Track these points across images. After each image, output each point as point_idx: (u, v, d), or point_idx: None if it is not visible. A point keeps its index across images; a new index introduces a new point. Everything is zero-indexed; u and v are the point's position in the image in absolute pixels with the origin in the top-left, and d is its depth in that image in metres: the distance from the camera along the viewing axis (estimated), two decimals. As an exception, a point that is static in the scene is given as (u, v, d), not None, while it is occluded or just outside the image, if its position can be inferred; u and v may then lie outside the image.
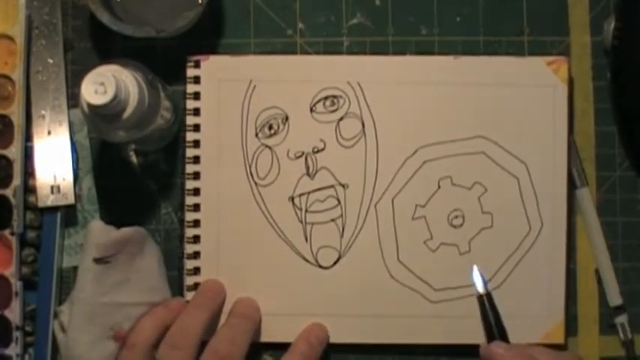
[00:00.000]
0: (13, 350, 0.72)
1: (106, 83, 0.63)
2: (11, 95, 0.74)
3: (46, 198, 0.74)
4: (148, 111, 0.67)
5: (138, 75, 0.66)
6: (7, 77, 0.74)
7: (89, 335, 0.71)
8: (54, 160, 0.75)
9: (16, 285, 0.73)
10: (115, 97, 0.63)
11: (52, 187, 0.74)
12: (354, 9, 0.77)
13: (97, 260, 0.72)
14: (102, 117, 0.65)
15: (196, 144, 0.75)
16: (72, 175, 0.75)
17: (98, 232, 0.72)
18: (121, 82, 0.64)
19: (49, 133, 0.75)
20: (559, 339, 0.74)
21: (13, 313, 0.73)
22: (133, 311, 0.73)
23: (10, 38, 0.74)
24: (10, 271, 0.73)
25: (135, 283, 0.73)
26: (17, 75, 0.74)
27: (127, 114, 0.65)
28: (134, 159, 0.77)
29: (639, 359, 0.76)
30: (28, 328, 0.74)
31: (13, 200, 0.73)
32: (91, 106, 0.63)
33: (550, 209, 0.74)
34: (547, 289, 0.74)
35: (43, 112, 0.75)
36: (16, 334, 0.73)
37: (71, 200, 0.75)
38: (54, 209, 0.75)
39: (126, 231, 0.73)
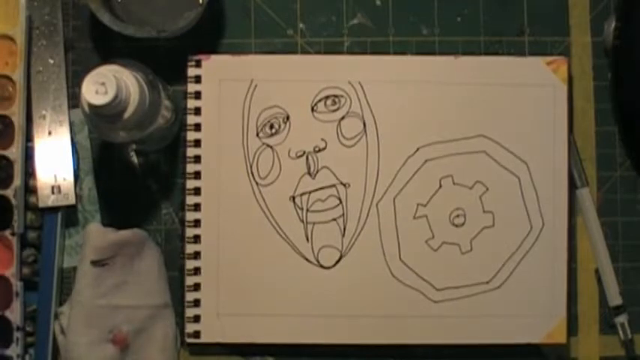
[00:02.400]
0: (13, 351, 0.72)
1: (107, 83, 0.63)
2: (12, 95, 0.74)
3: (46, 198, 0.74)
4: (149, 111, 0.67)
5: (138, 75, 0.66)
6: (8, 77, 0.74)
7: (88, 338, 0.71)
8: (54, 161, 0.75)
9: (17, 285, 0.73)
10: (116, 97, 0.63)
11: (52, 188, 0.74)
12: (354, 9, 0.77)
13: (95, 263, 0.72)
14: (103, 117, 0.65)
15: (197, 143, 0.74)
16: (72, 176, 0.75)
17: (95, 234, 0.72)
18: (121, 82, 0.64)
19: (50, 133, 0.75)
20: (561, 339, 0.74)
21: (14, 314, 0.73)
22: (132, 314, 0.73)
23: (11, 39, 0.74)
24: (11, 272, 0.73)
25: (133, 286, 0.73)
26: (18, 75, 0.74)
27: (127, 114, 0.65)
28: (135, 159, 0.77)
29: (639, 359, 0.76)
30: (28, 329, 0.74)
31: (13, 200, 0.73)
32: (91, 107, 0.63)
33: (551, 208, 0.74)
34: (549, 289, 0.74)
35: (43, 112, 0.75)
36: (17, 334, 0.72)
37: (72, 200, 0.75)
38: (54, 209, 0.74)
39: (124, 233, 0.73)
